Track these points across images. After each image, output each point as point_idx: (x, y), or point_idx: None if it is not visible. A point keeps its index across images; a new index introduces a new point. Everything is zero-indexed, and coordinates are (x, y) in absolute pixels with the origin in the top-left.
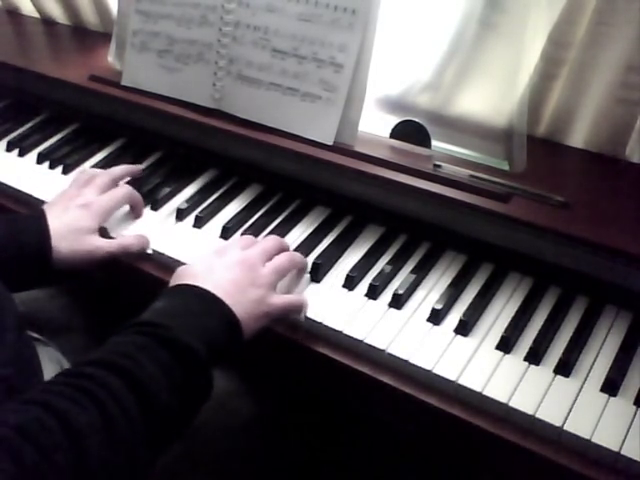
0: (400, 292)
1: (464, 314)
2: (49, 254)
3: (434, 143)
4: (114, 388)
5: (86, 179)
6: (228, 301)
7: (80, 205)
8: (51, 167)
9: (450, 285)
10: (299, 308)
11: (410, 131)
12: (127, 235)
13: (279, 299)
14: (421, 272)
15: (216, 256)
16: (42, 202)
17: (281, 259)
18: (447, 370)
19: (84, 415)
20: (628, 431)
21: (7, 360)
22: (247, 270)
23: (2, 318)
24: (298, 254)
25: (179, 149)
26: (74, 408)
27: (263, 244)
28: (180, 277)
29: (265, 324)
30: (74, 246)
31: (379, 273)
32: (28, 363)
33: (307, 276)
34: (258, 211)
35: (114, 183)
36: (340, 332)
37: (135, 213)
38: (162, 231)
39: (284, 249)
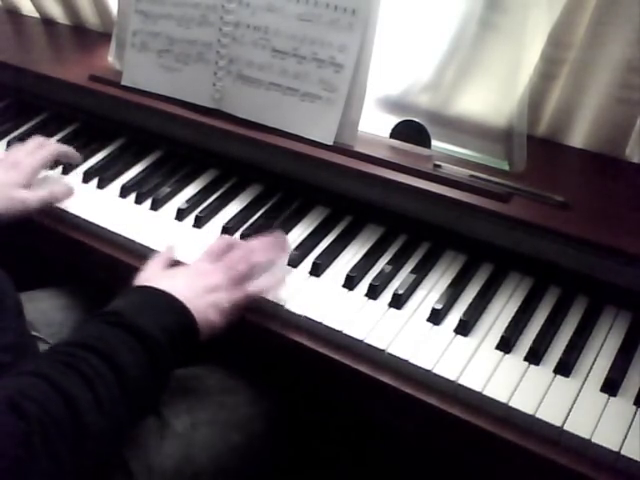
0: (400, 292)
1: (464, 314)
2: None
3: (434, 143)
4: (91, 362)
5: (18, 147)
6: (181, 299)
7: (8, 166)
8: (51, 167)
9: (450, 285)
10: (249, 298)
11: (410, 131)
12: (53, 185)
13: (232, 301)
14: (421, 272)
15: (184, 268)
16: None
17: (238, 268)
18: (447, 370)
19: (73, 383)
20: (628, 431)
21: (8, 345)
22: (204, 277)
23: (3, 302)
24: (260, 255)
25: (179, 149)
26: (63, 377)
27: (227, 259)
28: (141, 280)
29: (219, 325)
30: (7, 199)
31: (379, 273)
32: (27, 351)
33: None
34: (258, 211)
35: (42, 147)
36: (340, 332)
37: (71, 160)
38: (162, 231)
39: (247, 255)
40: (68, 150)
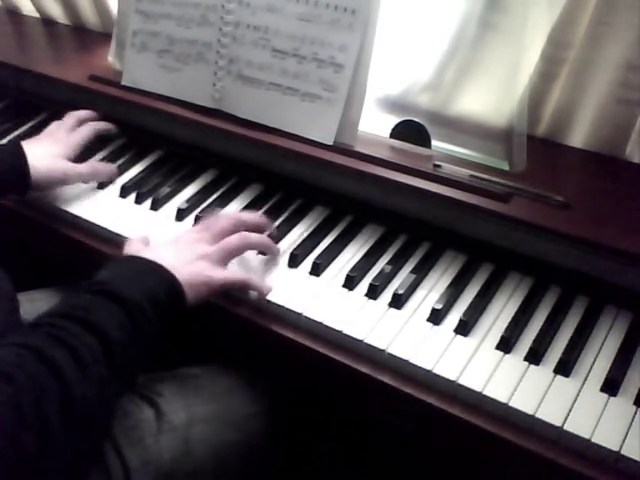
0: (400, 292)
1: (464, 314)
2: (27, 172)
3: (434, 143)
4: (74, 331)
5: (57, 124)
6: (167, 267)
7: (52, 140)
8: None
9: (450, 285)
10: (242, 285)
11: (410, 131)
12: (95, 162)
13: (220, 272)
14: (421, 272)
15: (170, 240)
16: (42, 203)
17: (231, 238)
18: (447, 370)
19: (56, 352)
20: (628, 431)
21: None
22: (191, 246)
23: None
24: (255, 235)
25: (179, 149)
26: (48, 348)
27: (215, 227)
28: (126, 251)
29: (206, 293)
30: (50, 165)
31: (379, 273)
32: None
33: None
34: (258, 211)
35: (80, 123)
36: (340, 332)
37: (104, 130)
38: (162, 231)
39: (243, 226)
40: (106, 126)
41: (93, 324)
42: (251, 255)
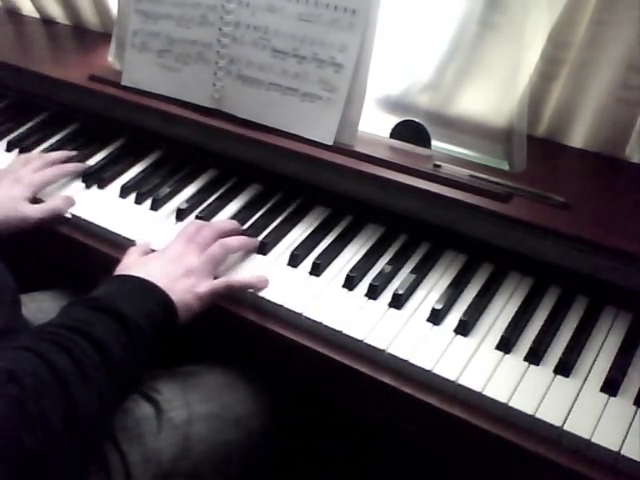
0: (400, 292)
1: (464, 314)
2: None
3: (434, 143)
4: (76, 341)
5: (23, 160)
6: (159, 285)
7: (12, 180)
8: None
9: (450, 285)
10: (230, 289)
11: (410, 131)
12: (55, 198)
13: (208, 286)
14: (421, 272)
15: (157, 254)
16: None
17: (213, 249)
18: (447, 370)
19: (60, 358)
20: (628, 431)
21: None
22: (178, 261)
23: None
24: (233, 240)
25: (179, 149)
26: (51, 352)
27: (198, 237)
28: (119, 270)
29: (198, 309)
30: (6, 212)
31: (379, 273)
32: (18, 336)
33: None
34: (258, 211)
35: (49, 166)
36: (340, 332)
37: (75, 172)
38: (162, 231)
39: (222, 235)
40: (76, 169)
41: (95, 337)
42: (251, 256)
